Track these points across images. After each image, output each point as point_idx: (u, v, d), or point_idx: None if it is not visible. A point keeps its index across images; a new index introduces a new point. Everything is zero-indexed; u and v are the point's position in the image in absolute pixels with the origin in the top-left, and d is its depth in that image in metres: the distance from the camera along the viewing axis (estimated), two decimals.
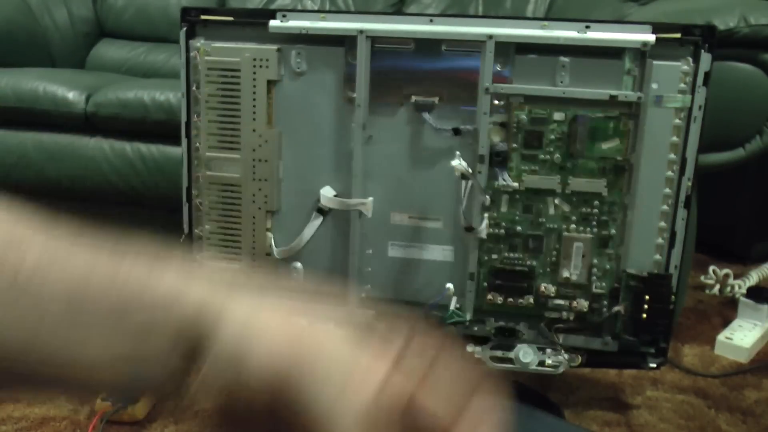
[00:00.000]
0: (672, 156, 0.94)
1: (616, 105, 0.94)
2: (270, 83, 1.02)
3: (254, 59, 1.02)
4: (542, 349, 1.02)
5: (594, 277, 0.99)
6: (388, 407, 0.25)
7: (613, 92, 0.93)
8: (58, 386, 0.28)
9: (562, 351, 1.00)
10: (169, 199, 1.47)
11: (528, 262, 1.00)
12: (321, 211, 1.05)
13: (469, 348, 1.03)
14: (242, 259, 1.09)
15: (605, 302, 1.00)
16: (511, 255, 1.00)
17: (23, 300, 0.27)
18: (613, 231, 0.97)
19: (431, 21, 0.96)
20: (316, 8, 2.18)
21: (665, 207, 0.96)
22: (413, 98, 0.98)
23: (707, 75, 0.91)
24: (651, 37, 0.91)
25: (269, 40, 1.01)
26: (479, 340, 1.04)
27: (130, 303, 0.27)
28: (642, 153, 0.94)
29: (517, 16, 1.84)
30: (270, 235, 1.07)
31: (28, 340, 0.27)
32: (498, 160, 0.97)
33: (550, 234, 0.99)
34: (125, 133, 1.58)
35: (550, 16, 1.87)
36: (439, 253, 1.04)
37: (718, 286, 1.53)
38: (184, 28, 1.03)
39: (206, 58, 1.03)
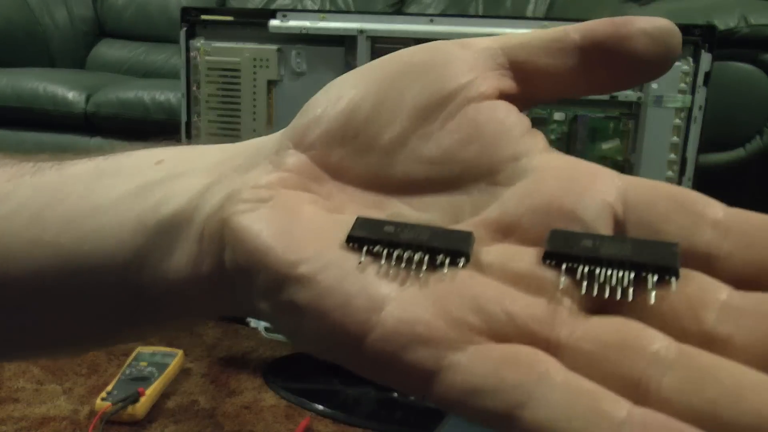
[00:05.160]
0: (672, 156, 0.94)
1: (616, 105, 0.94)
2: (270, 83, 1.02)
3: (254, 59, 1.02)
4: None
5: None
6: None
7: (613, 92, 0.93)
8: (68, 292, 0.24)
9: None
10: None
11: None
12: None
13: None
14: None
15: None
16: None
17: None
18: None
19: (431, 21, 0.96)
20: (316, 8, 2.18)
21: None
22: None
23: (707, 75, 0.91)
24: None
25: (269, 40, 1.01)
26: None
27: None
28: (642, 153, 0.94)
29: (517, 16, 1.84)
30: None
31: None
32: None
33: None
34: (125, 133, 1.58)
35: (550, 16, 1.87)
36: None
37: None
38: (184, 28, 1.03)
39: (206, 58, 1.03)
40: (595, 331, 0.16)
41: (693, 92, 0.92)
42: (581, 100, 0.94)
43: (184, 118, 1.06)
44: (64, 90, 1.64)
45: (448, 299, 0.17)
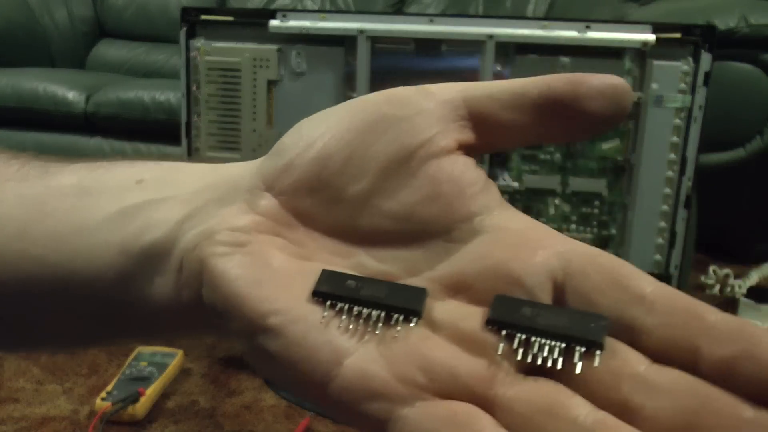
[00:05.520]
0: (672, 156, 0.94)
1: None
2: (270, 83, 1.03)
3: (254, 59, 1.02)
4: None
5: None
6: None
7: None
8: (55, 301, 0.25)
9: None
10: None
11: None
12: None
13: None
14: None
15: None
16: None
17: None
18: (613, 231, 0.97)
19: (431, 21, 0.96)
20: (316, 8, 2.18)
21: (665, 207, 0.96)
22: None
23: (707, 75, 0.91)
24: (651, 37, 0.91)
25: (269, 40, 1.01)
26: None
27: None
28: (642, 153, 0.94)
29: (517, 16, 1.84)
30: None
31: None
32: (498, 160, 0.97)
33: None
34: (125, 133, 1.58)
35: (550, 16, 1.87)
36: None
37: (718, 286, 1.53)
38: (184, 28, 1.03)
39: (206, 58, 1.03)
40: (526, 393, 0.19)
41: (693, 92, 0.92)
42: None
43: (184, 118, 1.06)
44: (64, 90, 1.64)
45: (400, 358, 0.19)
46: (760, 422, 0.17)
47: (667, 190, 0.96)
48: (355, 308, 0.20)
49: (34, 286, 0.24)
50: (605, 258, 0.20)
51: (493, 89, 0.22)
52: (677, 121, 0.93)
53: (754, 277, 1.51)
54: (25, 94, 1.64)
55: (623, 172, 0.96)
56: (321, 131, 0.22)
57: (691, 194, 0.95)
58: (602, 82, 0.21)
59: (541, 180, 0.97)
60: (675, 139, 0.94)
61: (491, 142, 0.23)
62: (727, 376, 0.18)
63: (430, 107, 0.22)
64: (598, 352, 0.19)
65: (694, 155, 0.94)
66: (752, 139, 1.17)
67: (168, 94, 1.54)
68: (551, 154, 0.96)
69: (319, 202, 0.22)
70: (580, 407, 0.18)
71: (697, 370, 0.18)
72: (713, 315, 0.18)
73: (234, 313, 0.20)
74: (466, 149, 0.22)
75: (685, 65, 0.92)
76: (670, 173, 0.95)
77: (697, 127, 0.93)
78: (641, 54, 0.92)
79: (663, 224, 0.97)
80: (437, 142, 0.22)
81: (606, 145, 0.95)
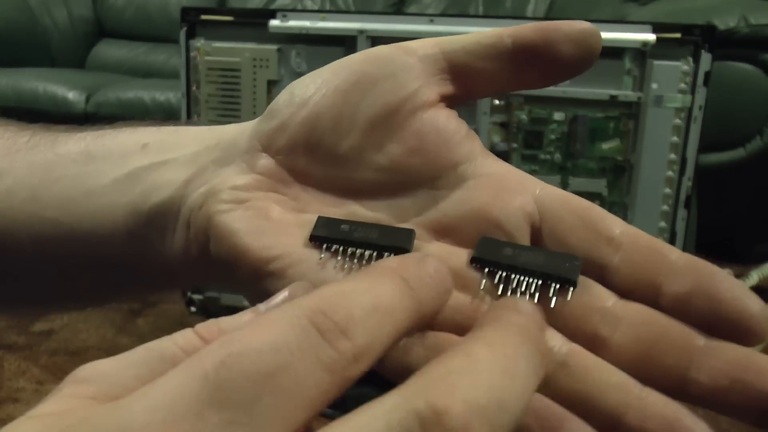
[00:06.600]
0: (672, 156, 0.94)
1: (616, 105, 0.94)
2: (270, 83, 1.03)
3: (254, 59, 1.02)
4: None
5: None
6: None
7: (613, 92, 0.93)
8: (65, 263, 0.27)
9: None
10: None
11: None
12: None
13: None
14: None
15: None
16: None
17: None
18: None
19: (431, 21, 0.97)
20: (316, 8, 2.18)
21: (665, 207, 0.96)
22: None
23: (707, 75, 0.91)
24: (651, 37, 0.91)
25: (269, 40, 1.01)
26: None
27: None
28: (642, 153, 0.94)
29: (517, 16, 1.84)
30: None
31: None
32: None
33: None
34: None
35: (550, 16, 1.87)
36: None
37: None
38: (184, 28, 1.03)
39: (206, 58, 1.03)
40: None
41: (693, 92, 0.92)
42: (581, 100, 0.94)
43: (184, 118, 1.06)
44: (64, 90, 1.64)
45: None
46: (708, 350, 0.19)
47: (667, 190, 0.96)
48: (350, 249, 0.22)
49: (50, 247, 0.26)
50: (577, 201, 0.22)
51: (469, 42, 0.23)
52: (677, 121, 0.93)
53: (754, 277, 1.51)
54: (25, 94, 1.64)
55: (623, 172, 0.96)
56: (311, 92, 0.24)
57: (691, 194, 0.95)
58: (572, 28, 0.23)
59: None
60: (675, 139, 0.94)
61: (471, 92, 0.24)
62: (684, 309, 0.20)
63: (412, 63, 0.23)
64: (571, 288, 0.20)
65: (694, 155, 0.94)
66: (752, 139, 1.17)
67: (168, 94, 1.54)
68: (551, 154, 0.96)
69: (313, 159, 0.23)
70: (555, 339, 0.20)
71: (658, 304, 0.20)
72: (674, 254, 0.20)
73: (239, 262, 0.22)
74: (448, 101, 0.24)
75: (685, 65, 0.92)
76: (670, 173, 0.95)
77: (697, 127, 0.93)
78: (641, 54, 0.92)
79: (663, 224, 0.97)
80: (420, 96, 0.23)
81: (606, 145, 0.95)
